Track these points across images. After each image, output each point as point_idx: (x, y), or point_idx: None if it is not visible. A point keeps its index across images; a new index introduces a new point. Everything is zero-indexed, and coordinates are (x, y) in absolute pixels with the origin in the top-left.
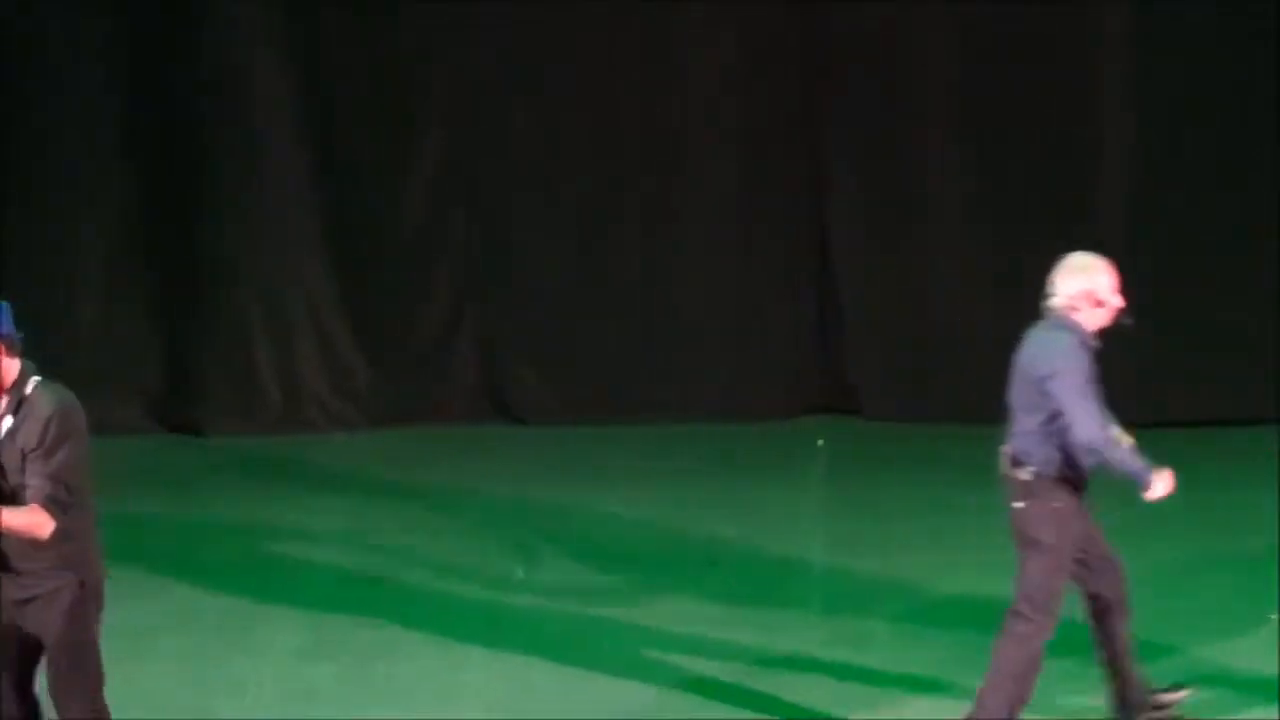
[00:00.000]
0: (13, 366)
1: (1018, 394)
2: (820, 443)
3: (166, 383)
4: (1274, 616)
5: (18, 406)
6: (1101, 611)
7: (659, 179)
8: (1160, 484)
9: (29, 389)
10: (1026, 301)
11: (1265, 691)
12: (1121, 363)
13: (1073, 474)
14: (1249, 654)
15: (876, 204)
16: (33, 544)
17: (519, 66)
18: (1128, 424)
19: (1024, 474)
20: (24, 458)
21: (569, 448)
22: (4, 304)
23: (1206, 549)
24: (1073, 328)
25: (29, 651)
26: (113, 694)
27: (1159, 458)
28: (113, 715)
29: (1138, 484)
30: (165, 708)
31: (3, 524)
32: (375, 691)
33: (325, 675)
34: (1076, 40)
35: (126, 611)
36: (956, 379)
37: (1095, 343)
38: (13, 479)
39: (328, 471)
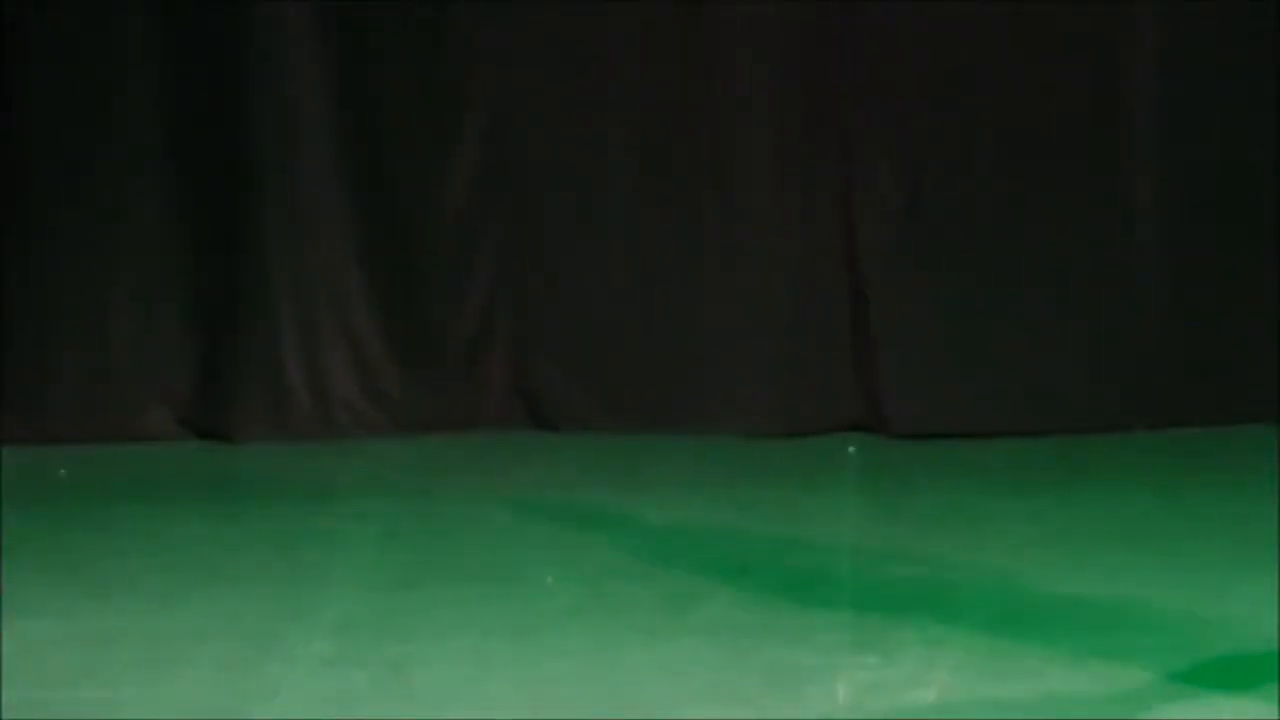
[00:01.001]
0: None
1: None
2: (851, 450)
3: (196, 388)
4: None
5: None
6: None
7: (700, 186)
8: None
9: None
10: (1060, 315)
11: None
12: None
13: None
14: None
15: (913, 219)
16: None
17: (559, 68)
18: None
19: None
20: None
21: (601, 455)
22: None
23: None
24: None
25: None
26: (146, 701)
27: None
28: None
29: None
30: (200, 714)
31: None
32: (406, 699)
33: (358, 682)
34: (1113, 42)
35: (158, 620)
36: (989, 391)
37: None
38: None
39: (358, 477)
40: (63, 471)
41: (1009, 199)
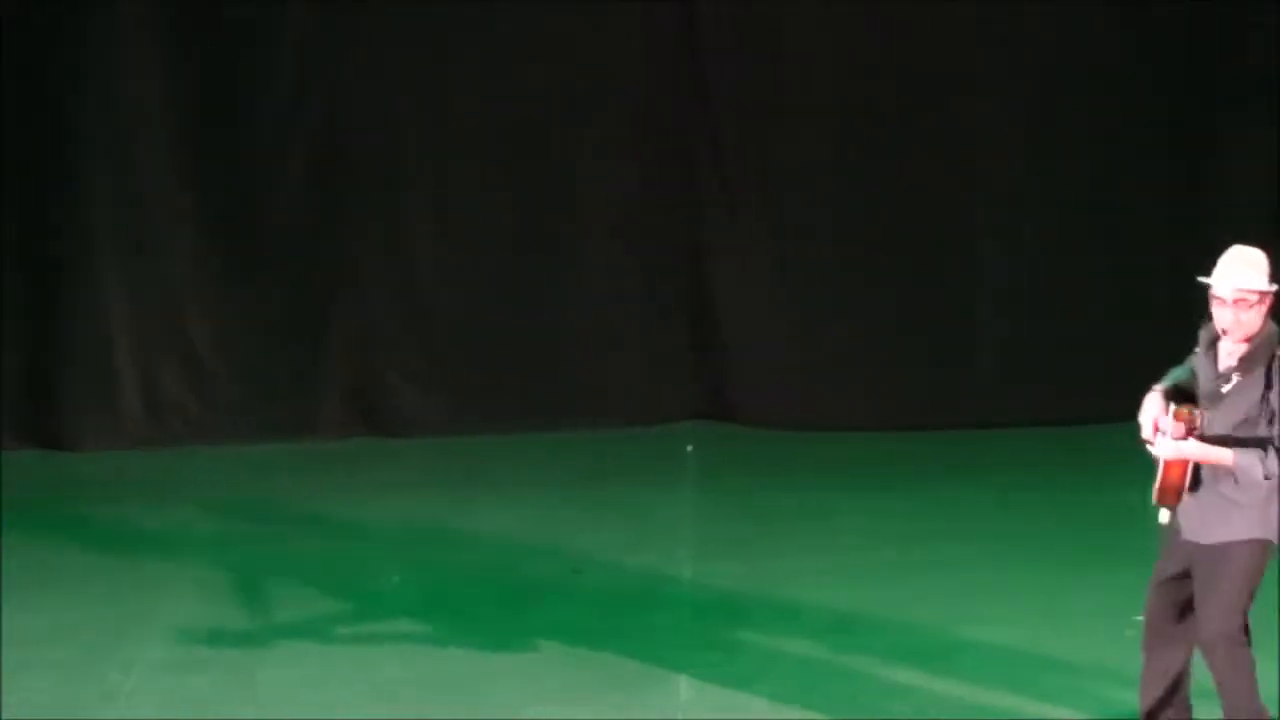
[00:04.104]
0: None
1: None
2: (689, 448)
3: (31, 399)
4: (1138, 619)
5: None
6: None
7: (536, 188)
8: None
9: None
10: (899, 310)
11: None
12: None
13: None
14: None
15: (752, 210)
16: None
17: (399, 69)
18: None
19: None
20: None
21: (440, 459)
22: None
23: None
24: None
25: None
26: None
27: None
28: None
29: None
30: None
31: None
32: (247, 702)
33: (197, 686)
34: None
35: None
36: (830, 386)
37: None
38: None
39: (193, 484)
40: None
41: (853, 203)
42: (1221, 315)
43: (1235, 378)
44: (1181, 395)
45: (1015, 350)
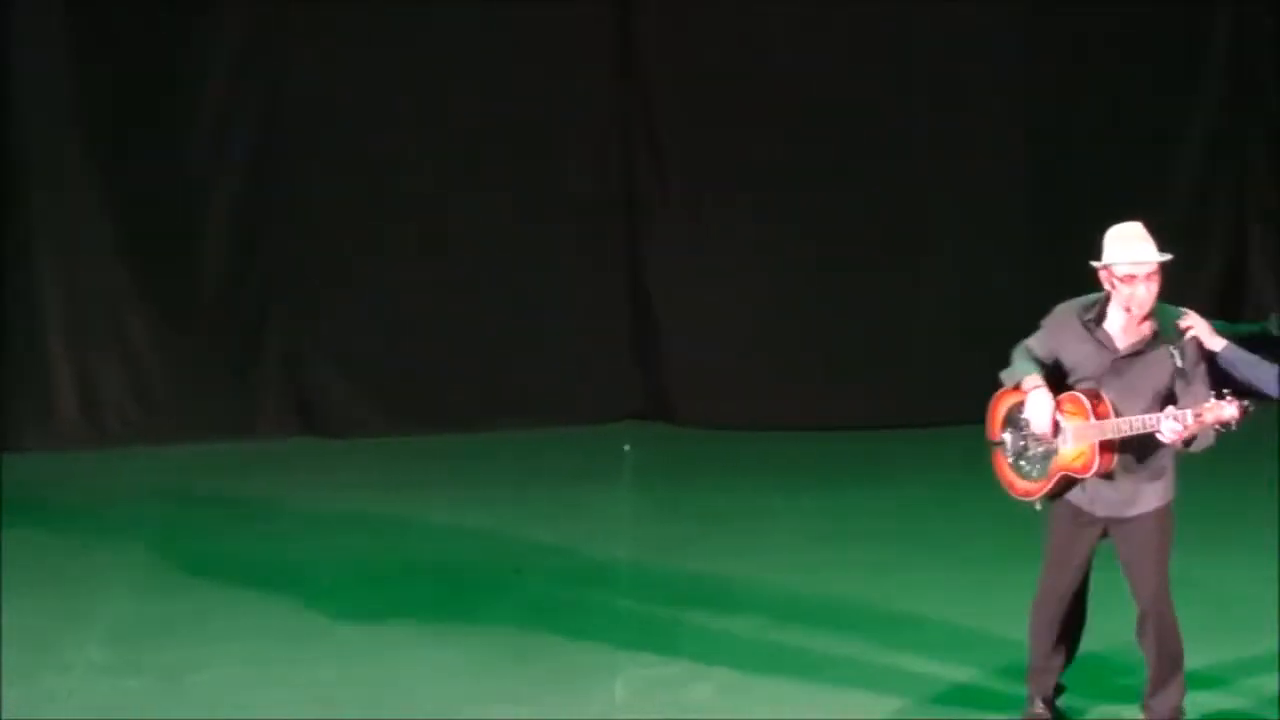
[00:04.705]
0: None
1: None
2: (627, 448)
3: None
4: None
5: None
6: None
7: (472, 188)
8: None
9: None
10: (835, 311)
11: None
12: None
13: None
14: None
15: (689, 211)
16: None
17: (329, 73)
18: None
19: None
20: None
21: (378, 460)
22: None
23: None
24: None
25: None
26: None
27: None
28: None
29: None
30: None
31: None
32: (181, 705)
33: (132, 688)
34: (899, 46)
35: None
36: (767, 387)
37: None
38: None
39: (129, 485)
40: None
41: (790, 206)
42: (1133, 293)
43: (1146, 351)
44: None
45: (954, 350)
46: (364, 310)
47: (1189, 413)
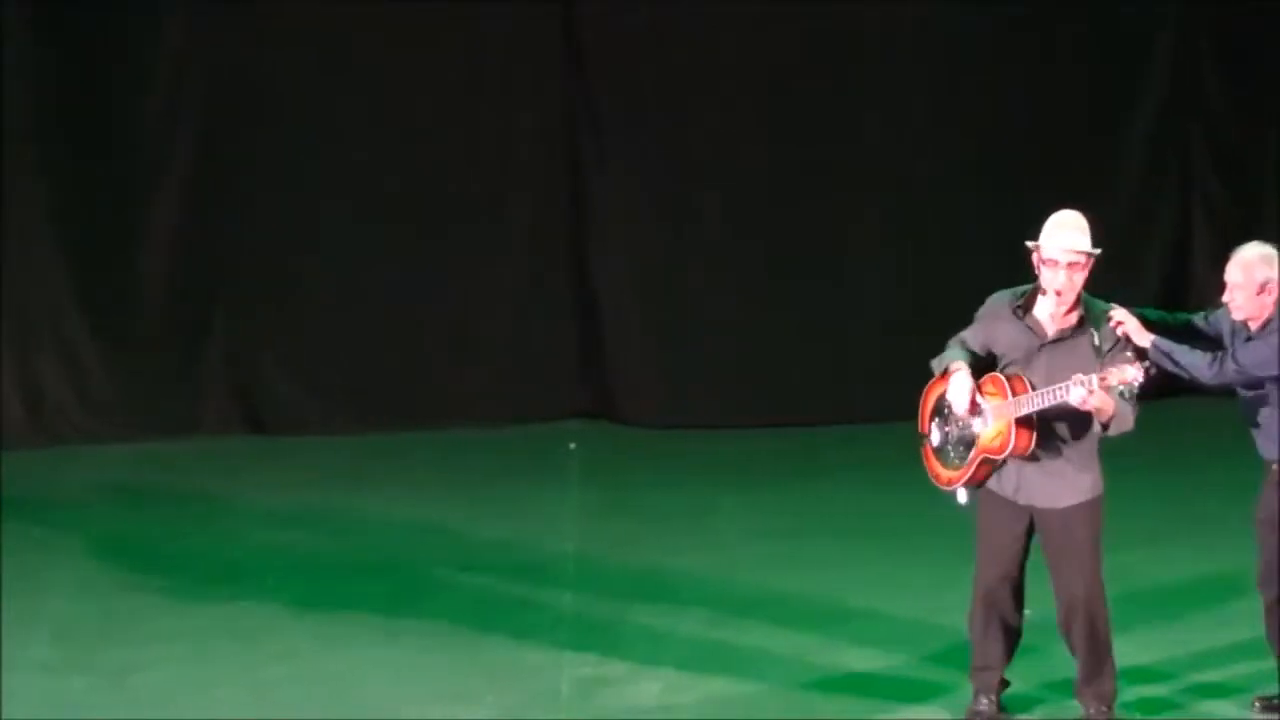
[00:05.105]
0: None
1: None
2: (572, 446)
3: None
4: (1028, 613)
5: None
6: None
7: (417, 185)
8: None
9: None
10: (782, 309)
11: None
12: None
13: None
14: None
15: (636, 211)
16: None
17: (272, 68)
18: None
19: None
20: None
21: (323, 458)
22: None
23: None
24: None
25: None
26: None
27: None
28: None
29: None
30: None
31: None
32: (127, 704)
33: (78, 687)
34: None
35: None
36: (712, 385)
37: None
38: None
39: (73, 484)
40: None
41: (734, 207)
42: (1054, 277)
43: (1071, 337)
44: (977, 367)
45: (897, 346)
46: (308, 309)
47: (1094, 376)
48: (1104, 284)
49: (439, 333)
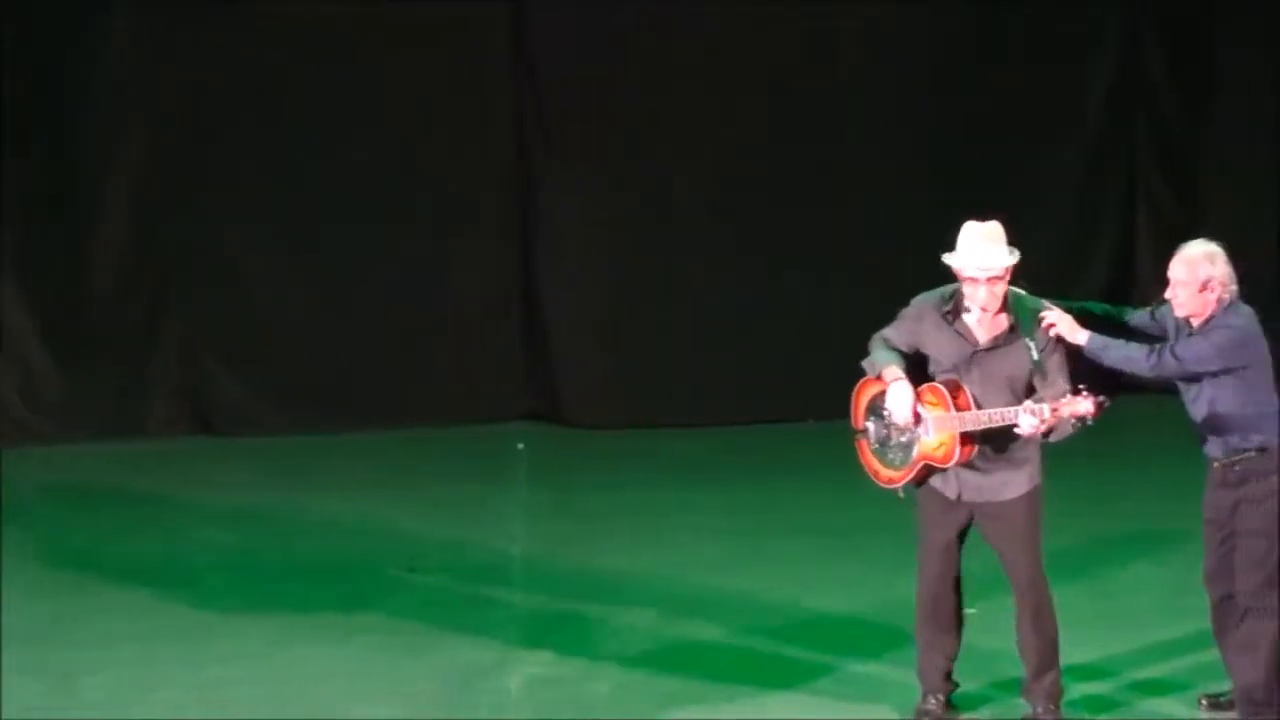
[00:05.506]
0: None
1: None
2: (520, 446)
3: None
4: (971, 611)
5: None
6: None
7: (366, 189)
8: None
9: None
10: (722, 312)
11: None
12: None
13: None
14: None
15: (583, 213)
16: None
17: (221, 68)
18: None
19: None
20: None
21: (270, 458)
22: None
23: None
24: None
25: None
26: None
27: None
28: None
29: None
30: None
31: None
32: (75, 706)
33: (27, 690)
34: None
35: None
36: (657, 385)
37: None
38: None
39: (20, 486)
40: None
41: (682, 209)
42: (976, 294)
43: (1005, 344)
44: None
45: (844, 347)
46: (255, 310)
47: (1045, 406)
48: (1050, 280)
49: (388, 334)
